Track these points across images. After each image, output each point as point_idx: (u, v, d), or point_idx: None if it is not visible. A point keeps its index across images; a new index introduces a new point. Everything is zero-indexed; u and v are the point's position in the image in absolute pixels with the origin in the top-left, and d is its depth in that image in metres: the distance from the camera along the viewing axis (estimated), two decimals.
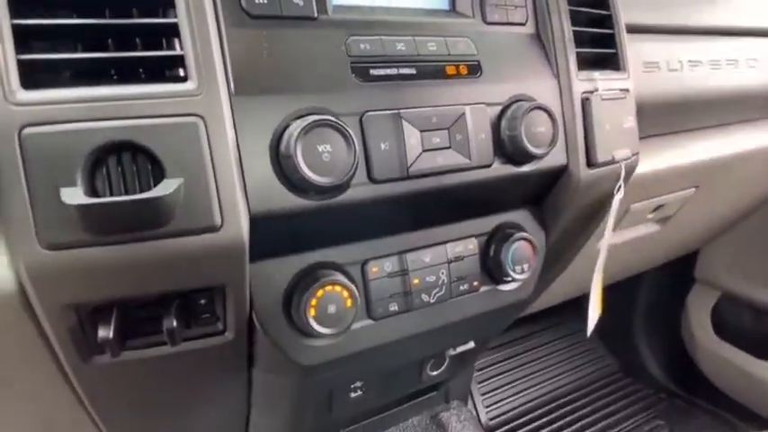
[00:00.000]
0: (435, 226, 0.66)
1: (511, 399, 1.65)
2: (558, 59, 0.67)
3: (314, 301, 0.55)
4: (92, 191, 0.42)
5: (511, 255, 0.67)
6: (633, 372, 1.80)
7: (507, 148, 0.61)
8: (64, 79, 0.44)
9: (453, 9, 0.64)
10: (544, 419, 1.59)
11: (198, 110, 0.44)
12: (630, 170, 0.75)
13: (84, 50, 0.45)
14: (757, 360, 1.51)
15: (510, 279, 0.70)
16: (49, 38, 0.44)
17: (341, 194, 0.53)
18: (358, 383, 0.81)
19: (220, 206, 0.46)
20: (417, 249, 0.65)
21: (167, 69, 0.46)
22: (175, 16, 0.45)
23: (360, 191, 0.54)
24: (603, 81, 0.70)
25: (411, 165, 0.56)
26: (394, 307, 0.63)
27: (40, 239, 0.41)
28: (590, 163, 0.68)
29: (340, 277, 0.57)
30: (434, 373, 0.90)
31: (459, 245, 0.67)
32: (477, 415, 1.56)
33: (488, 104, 0.61)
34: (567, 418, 1.60)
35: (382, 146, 0.54)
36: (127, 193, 0.43)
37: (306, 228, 0.55)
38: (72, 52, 0.44)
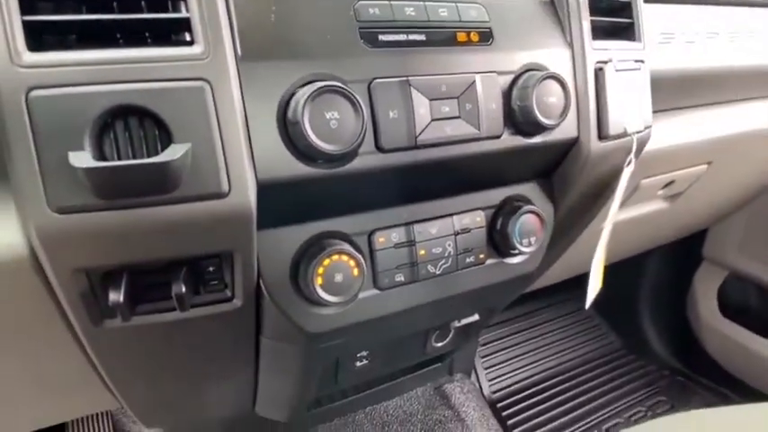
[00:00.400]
0: (443, 197, 0.66)
1: (514, 373, 1.68)
2: (572, 28, 0.65)
3: (321, 270, 0.55)
4: (100, 155, 0.42)
5: (518, 227, 0.67)
6: (637, 349, 1.81)
7: (517, 118, 0.60)
8: (70, 42, 0.44)
9: None
10: (546, 394, 1.61)
11: (204, 74, 0.44)
12: (642, 144, 0.74)
13: (90, 13, 0.44)
14: (762, 339, 1.51)
15: (517, 252, 0.69)
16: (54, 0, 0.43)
17: (348, 163, 0.52)
18: (363, 353, 0.82)
19: (228, 173, 0.45)
20: (424, 221, 0.65)
21: (173, 33, 0.46)
22: None
23: (367, 160, 0.53)
24: (618, 51, 0.69)
25: (419, 134, 0.55)
26: (400, 277, 0.63)
27: (50, 203, 0.42)
28: (601, 135, 0.67)
29: (347, 247, 0.57)
30: (439, 344, 0.91)
31: (467, 217, 0.67)
32: (480, 388, 1.58)
33: (499, 73, 0.59)
34: (569, 393, 1.62)
35: (390, 114, 0.53)
36: (135, 158, 0.43)
37: (313, 197, 0.55)
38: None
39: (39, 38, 0.41)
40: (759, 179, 1.33)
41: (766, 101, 1.13)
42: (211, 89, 0.44)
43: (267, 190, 0.49)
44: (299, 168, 0.50)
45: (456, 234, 0.66)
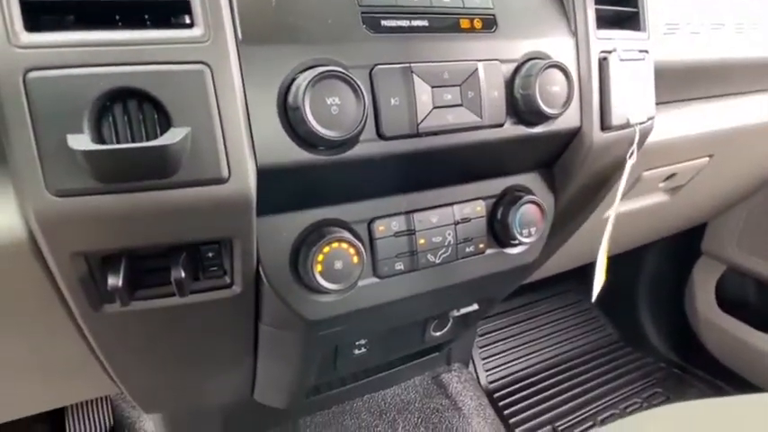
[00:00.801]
0: (443, 186, 0.66)
1: (511, 363, 1.69)
2: (576, 16, 0.64)
3: (321, 257, 0.55)
4: (99, 138, 0.42)
5: (518, 218, 0.67)
6: (634, 342, 1.82)
7: (520, 107, 0.60)
8: (67, 24, 0.43)
9: None
10: (543, 384, 1.62)
11: (204, 57, 0.43)
12: (645, 135, 0.74)
13: None
14: (759, 332, 1.52)
15: (517, 242, 0.69)
16: None
17: (348, 150, 0.52)
18: (362, 341, 0.82)
19: (227, 158, 0.45)
20: (425, 210, 0.64)
21: (173, 16, 0.45)
22: None
23: (368, 147, 0.53)
24: (622, 41, 0.68)
25: (421, 122, 0.54)
26: (400, 266, 0.63)
27: (48, 186, 0.41)
28: (604, 126, 0.67)
29: (347, 234, 0.57)
30: (437, 333, 0.91)
31: (467, 206, 0.67)
32: (478, 378, 1.59)
33: (502, 61, 0.59)
34: (566, 384, 1.63)
35: (392, 101, 0.53)
36: (133, 141, 0.43)
37: (313, 183, 0.55)
38: None
39: (36, 18, 0.41)
40: (760, 172, 1.32)
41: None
42: (211, 73, 0.44)
43: (267, 176, 0.49)
44: (299, 154, 0.50)
45: (456, 223, 0.66)
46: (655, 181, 1.05)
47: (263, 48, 0.48)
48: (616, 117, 0.67)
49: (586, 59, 0.64)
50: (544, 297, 1.92)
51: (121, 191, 0.43)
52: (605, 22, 0.67)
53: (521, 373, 1.67)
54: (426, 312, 0.83)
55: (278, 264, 0.57)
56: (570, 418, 1.51)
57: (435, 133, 0.56)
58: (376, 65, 0.52)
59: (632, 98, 0.68)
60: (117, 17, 0.44)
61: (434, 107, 0.55)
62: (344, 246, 0.56)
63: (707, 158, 1.08)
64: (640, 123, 0.70)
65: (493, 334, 1.76)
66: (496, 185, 0.70)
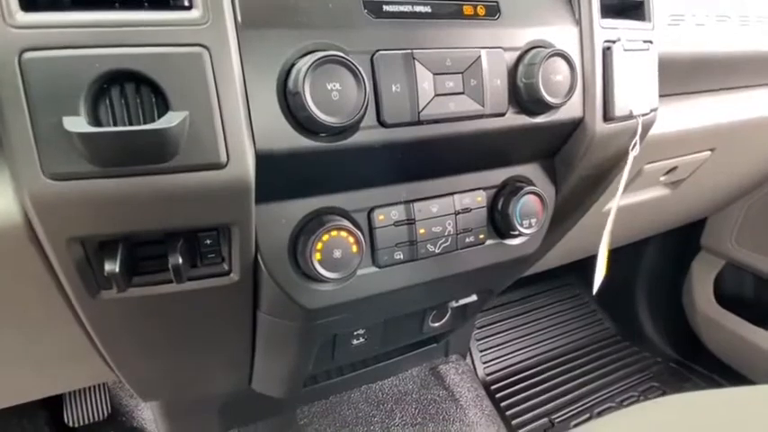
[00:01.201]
0: (444, 176, 0.65)
1: (509, 356, 1.69)
2: (580, 5, 0.63)
3: (320, 245, 0.54)
4: (95, 121, 0.41)
5: (519, 208, 0.66)
6: (631, 336, 1.83)
7: (522, 96, 0.59)
8: (64, 4, 0.42)
9: None
10: (540, 377, 1.63)
11: (203, 40, 0.43)
12: (648, 127, 0.73)
13: None
14: (756, 328, 1.52)
15: (517, 233, 0.69)
16: None
17: (349, 137, 0.51)
18: (360, 331, 0.82)
19: (226, 143, 0.45)
20: (425, 199, 0.64)
21: None
22: None
23: (368, 134, 0.52)
24: (627, 31, 0.67)
25: (422, 109, 0.54)
26: (399, 255, 0.63)
27: (44, 169, 0.41)
28: (607, 117, 0.66)
29: (346, 223, 0.56)
30: (436, 324, 0.91)
31: (467, 197, 0.67)
32: (475, 370, 1.60)
33: (505, 49, 0.58)
34: (563, 377, 1.64)
35: (393, 88, 0.52)
36: (131, 124, 0.42)
37: (313, 171, 0.54)
38: None
39: None
40: (762, 167, 1.32)
41: None
42: (210, 56, 0.43)
43: (266, 162, 0.48)
44: (298, 141, 0.49)
45: (456, 213, 0.66)
46: (656, 174, 1.04)
47: (262, 31, 0.47)
48: (619, 108, 0.66)
49: (590, 49, 0.63)
50: (542, 291, 1.93)
51: (118, 175, 0.42)
52: (610, 11, 0.66)
53: (518, 365, 1.67)
54: (425, 303, 0.83)
55: (277, 251, 0.56)
56: (566, 410, 1.51)
57: (436, 121, 0.55)
58: (377, 50, 0.51)
59: (635, 89, 0.68)
60: None
61: (436, 95, 0.54)
62: (344, 234, 0.56)
63: (708, 152, 1.07)
64: (643, 115, 0.69)
65: (491, 327, 1.77)
66: (497, 176, 0.69)
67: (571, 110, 0.64)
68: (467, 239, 0.67)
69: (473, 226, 0.67)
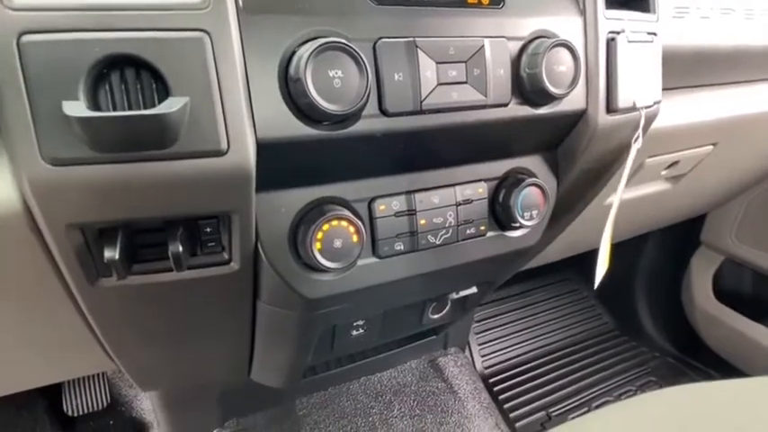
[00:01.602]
0: (445, 167, 0.65)
1: (507, 350, 1.70)
2: None
3: (320, 235, 0.54)
4: (95, 106, 0.41)
5: (521, 200, 0.66)
6: (630, 331, 1.83)
7: (525, 86, 0.58)
8: None
9: None
10: (538, 371, 1.64)
11: (204, 24, 0.42)
12: (651, 119, 0.73)
13: None
14: (754, 323, 1.53)
15: (518, 225, 0.69)
16: None
17: (351, 126, 0.51)
18: (360, 322, 0.82)
19: (226, 129, 0.44)
20: (426, 190, 0.64)
21: None
22: None
23: (370, 123, 0.52)
24: (631, 22, 0.67)
25: (425, 98, 0.53)
26: (400, 246, 0.63)
27: (43, 154, 0.41)
28: (610, 109, 0.65)
29: (347, 213, 0.56)
30: (435, 316, 0.91)
31: (469, 188, 0.66)
32: (474, 363, 1.60)
33: (509, 39, 0.57)
34: (561, 371, 1.64)
35: (395, 76, 0.52)
36: (131, 110, 0.42)
37: (314, 159, 0.54)
38: None
39: None
40: (764, 163, 1.32)
41: None
42: (211, 41, 0.42)
43: (267, 150, 0.48)
44: (299, 129, 0.49)
45: (458, 205, 0.65)
46: (658, 168, 1.04)
47: (264, 17, 0.46)
48: (622, 100, 0.66)
49: (594, 40, 0.63)
50: (542, 285, 1.93)
51: (117, 161, 0.42)
52: (614, 2, 0.66)
53: (517, 359, 1.68)
54: (425, 294, 0.83)
55: (277, 241, 0.56)
56: (564, 404, 1.52)
57: (439, 111, 0.55)
58: (380, 38, 0.51)
59: (639, 81, 0.67)
60: None
61: (439, 84, 0.54)
62: (344, 224, 0.55)
63: (710, 147, 1.07)
64: (646, 107, 0.69)
65: (490, 320, 1.77)
66: (499, 167, 0.69)
67: (574, 101, 0.63)
68: (468, 231, 0.67)
69: (474, 217, 0.67)
